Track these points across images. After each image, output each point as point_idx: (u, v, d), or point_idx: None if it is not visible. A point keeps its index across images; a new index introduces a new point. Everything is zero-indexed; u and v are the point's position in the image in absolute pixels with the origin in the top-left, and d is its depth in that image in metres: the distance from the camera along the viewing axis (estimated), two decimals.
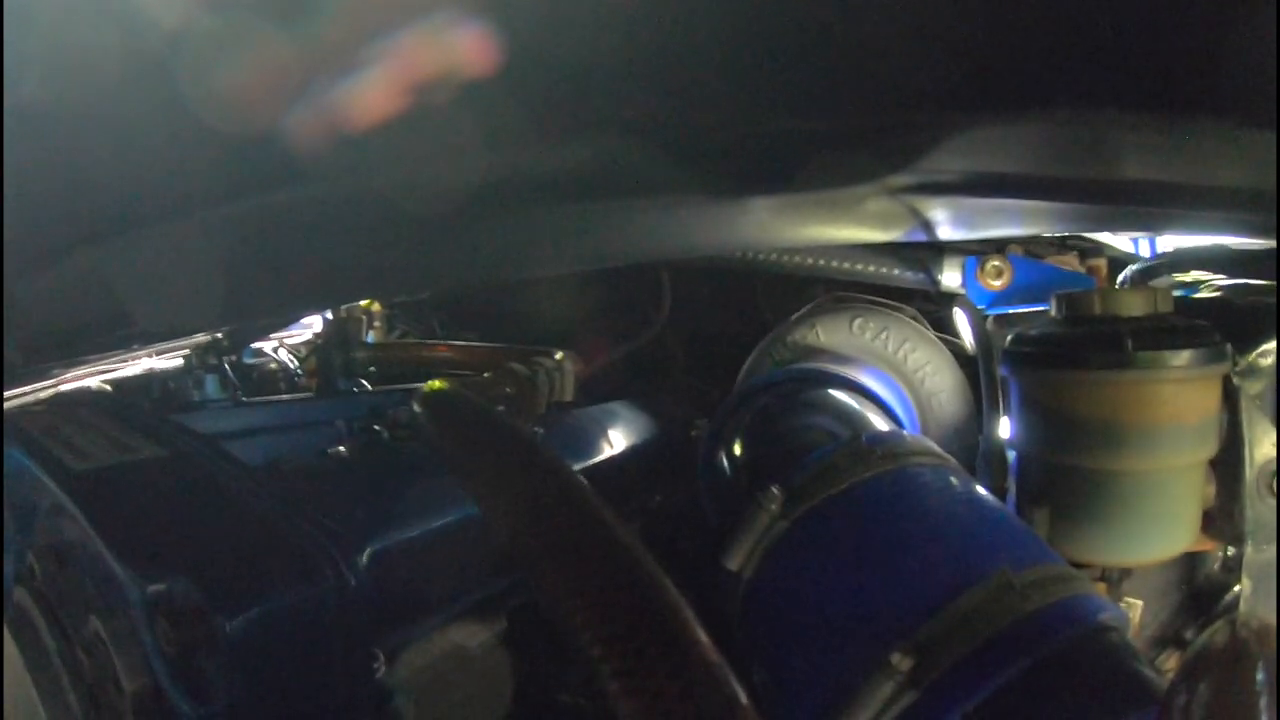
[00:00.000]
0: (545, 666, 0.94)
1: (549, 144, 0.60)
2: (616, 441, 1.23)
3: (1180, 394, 0.95)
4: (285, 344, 1.85)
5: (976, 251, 1.42)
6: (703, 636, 0.45)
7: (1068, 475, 1.00)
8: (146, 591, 0.61)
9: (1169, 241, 1.54)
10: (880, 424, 1.09)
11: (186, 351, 1.30)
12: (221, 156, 0.56)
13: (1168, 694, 0.52)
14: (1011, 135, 0.67)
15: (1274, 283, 1.16)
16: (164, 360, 1.57)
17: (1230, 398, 1.02)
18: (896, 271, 1.48)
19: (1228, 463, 1.04)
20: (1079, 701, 0.62)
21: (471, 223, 0.77)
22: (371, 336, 1.90)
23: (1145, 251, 1.53)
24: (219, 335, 1.34)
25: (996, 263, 1.40)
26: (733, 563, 0.84)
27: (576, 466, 1.12)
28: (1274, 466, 1.03)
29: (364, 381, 1.47)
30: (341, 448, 0.99)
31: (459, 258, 0.88)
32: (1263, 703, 0.48)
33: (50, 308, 0.82)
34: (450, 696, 0.83)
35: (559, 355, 1.30)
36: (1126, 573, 1.04)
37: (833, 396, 1.15)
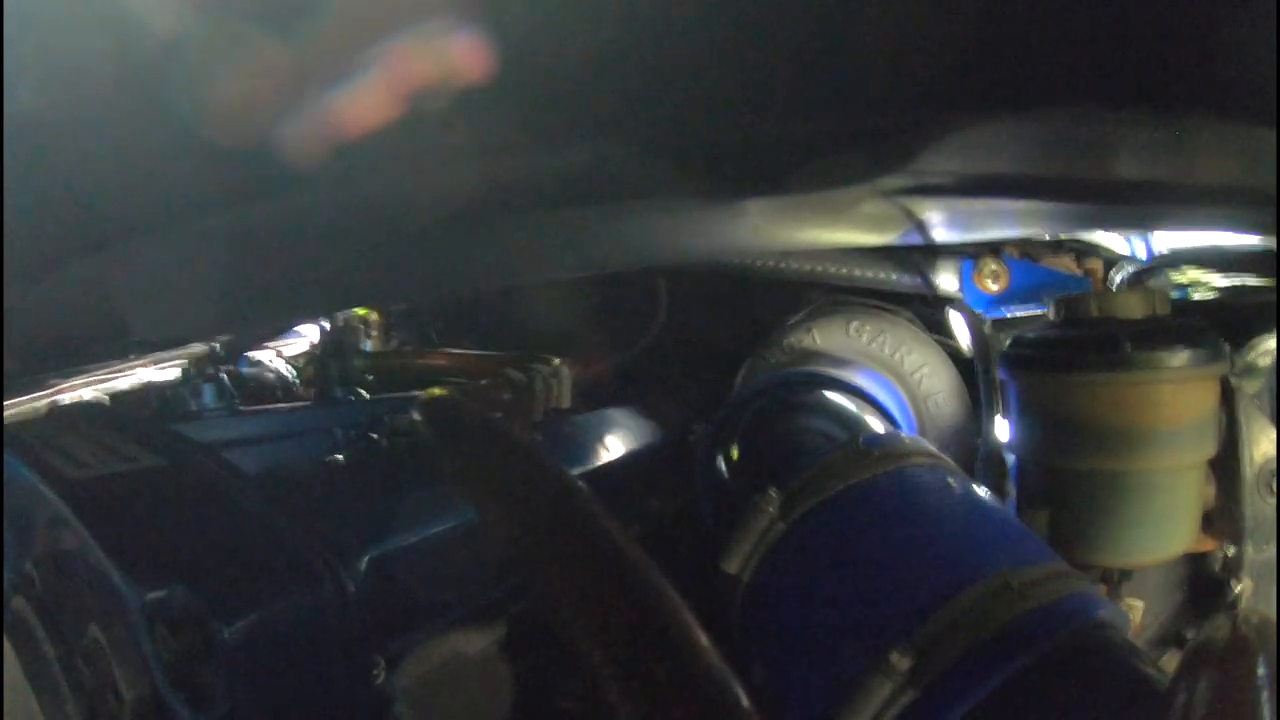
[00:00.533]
0: (545, 673, 0.93)
1: (544, 149, 0.60)
2: (614, 447, 1.23)
3: (1179, 395, 0.95)
4: (282, 353, 1.85)
5: (972, 254, 1.42)
6: (703, 639, 0.45)
7: (1067, 478, 1.00)
8: (145, 600, 0.61)
9: (1165, 240, 1.54)
10: (877, 426, 1.09)
11: (183, 361, 1.30)
12: (217, 164, 0.56)
13: (1169, 689, 0.52)
14: (1006, 135, 0.68)
15: (1270, 282, 1.16)
16: (161, 371, 1.57)
17: (1228, 398, 1.03)
18: (893, 276, 1.48)
19: (1227, 463, 1.04)
20: (1079, 699, 0.62)
21: (467, 229, 0.77)
22: (368, 345, 1.90)
23: (1141, 252, 1.53)
24: (216, 345, 1.34)
25: (993, 266, 1.40)
26: (731, 565, 0.84)
27: (575, 472, 1.12)
28: (1273, 466, 1.03)
29: (361, 390, 1.47)
30: (339, 456, 0.99)
31: (455, 264, 0.88)
32: (1264, 697, 0.48)
33: (48, 317, 0.82)
34: (450, 703, 0.83)
35: (556, 361, 1.30)
36: (1127, 574, 1.04)
37: (830, 399, 1.15)
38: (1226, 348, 0.98)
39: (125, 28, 0.49)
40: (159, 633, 0.60)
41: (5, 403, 1.12)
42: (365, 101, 0.50)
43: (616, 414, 1.34)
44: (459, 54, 0.48)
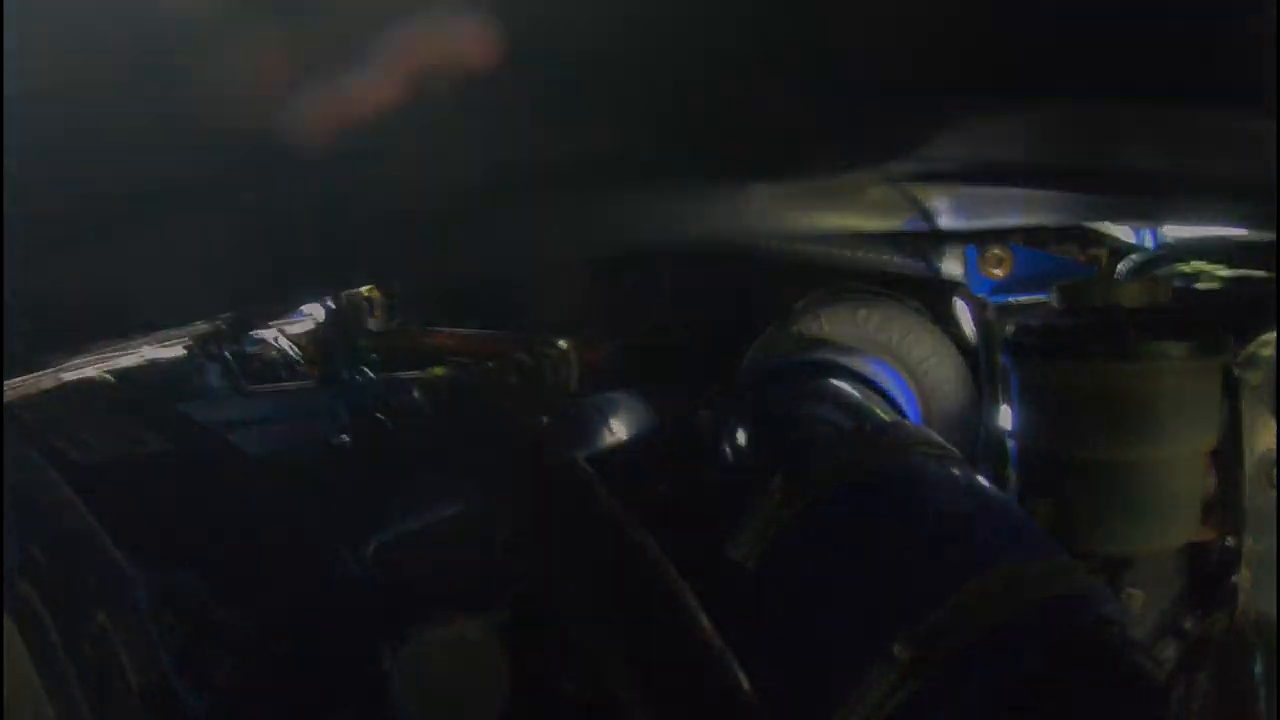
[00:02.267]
0: (548, 657, 0.94)
1: (549, 132, 0.60)
2: (620, 431, 1.23)
3: (1181, 384, 0.95)
4: (285, 332, 1.85)
5: (977, 240, 1.42)
6: (705, 623, 0.46)
7: (1069, 466, 1.00)
8: (152, 585, 0.62)
9: (1171, 230, 1.54)
10: (884, 415, 1.09)
11: (188, 340, 1.30)
12: (225, 143, 0.56)
13: (1167, 684, 0.52)
14: (1012, 123, 0.67)
15: (1274, 274, 1.16)
16: (165, 349, 1.57)
17: (1230, 388, 1.02)
18: (897, 260, 1.47)
19: (1227, 453, 1.04)
20: (1079, 693, 0.62)
21: (473, 210, 0.77)
22: (372, 324, 1.89)
23: (1147, 241, 1.53)
24: (220, 323, 1.34)
25: (997, 251, 1.39)
26: (737, 552, 0.84)
27: (579, 456, 1.12)
28: (1274, 457, 1.03)
29: (367, 369, 1.47)
30: (345, 436, 0.99)
31: (461, 244, 0.88)
32: (1261, 693, 0.48)
33: (54, 296, 0.82)
34: (453, 687, 0.84)
35: (563, 344, 1.30)
36: (1127, 563, 1.04)
37: (837, 387, 1.15)
38: (1229, 338, 0.98)
39: (132, 6, 0.49)
40: (166, 618, 0.61)
41: (10, 381, 1.12)
42: (373, 87, 0.50)
43: (623, 398, 1.34)
44: (468, 40, 0.48)
